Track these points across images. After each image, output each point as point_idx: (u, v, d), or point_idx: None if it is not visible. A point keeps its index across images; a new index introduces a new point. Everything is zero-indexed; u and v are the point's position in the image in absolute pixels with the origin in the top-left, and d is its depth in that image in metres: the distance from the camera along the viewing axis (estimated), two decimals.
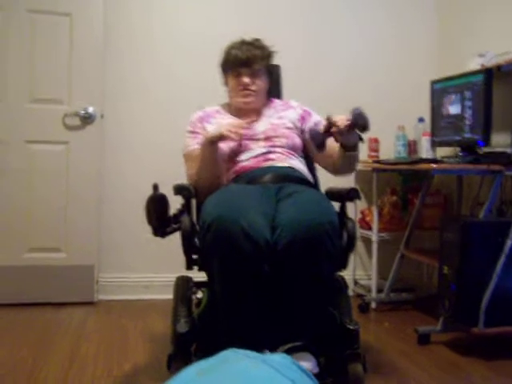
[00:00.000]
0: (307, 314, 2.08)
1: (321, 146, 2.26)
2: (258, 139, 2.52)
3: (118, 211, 3.83)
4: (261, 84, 2.61)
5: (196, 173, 2.47)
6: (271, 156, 2.48)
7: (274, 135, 2.54)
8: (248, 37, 2.67)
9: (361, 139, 2.28)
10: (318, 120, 2.65)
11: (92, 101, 3.65)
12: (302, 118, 2.66)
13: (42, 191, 3.62)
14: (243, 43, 2.62)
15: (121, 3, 3.83)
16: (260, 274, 2.02)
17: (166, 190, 2.38)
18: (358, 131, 2.22)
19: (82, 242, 3.67)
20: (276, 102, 2.76)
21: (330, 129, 2.20)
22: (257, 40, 2.65)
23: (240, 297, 2.05)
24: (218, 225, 2.00)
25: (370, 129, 2.19)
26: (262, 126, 2.57)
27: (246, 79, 2.56)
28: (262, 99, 2.66)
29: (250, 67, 2.55)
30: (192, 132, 2.62)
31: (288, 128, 2.59)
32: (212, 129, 2.46)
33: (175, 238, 2.32)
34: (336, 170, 2.52)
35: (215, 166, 2.44)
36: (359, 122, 2.16)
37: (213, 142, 2.38)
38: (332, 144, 2.30)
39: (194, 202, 2.47)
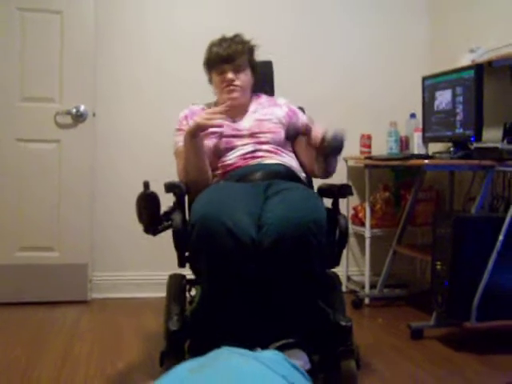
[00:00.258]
0: (297, 310, 2.09)
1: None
2: (242, 136, 2.52)
3: (110, 209, 3.82)
4: (245, 79, 2.60)
5: (183, 169, 2.47)
6: (258, 154, 2.48)
7: (259, 131, 2.53)
8: (248, 35, 2.66)
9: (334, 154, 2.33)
10: (302, 120, 2.67)
11: (84, 99, 3.65)
12: (289, 116, 2.65)
13: (34, 190, 3.61)
14: (223, 40, 2.61)
15: (113, 1, 3.82)
16: (246, 271, 2.02)
17: (159, 187, 2.38)
18: (327, 152, 2.30)
19: (74, 241, 3.66)
20: (263, 97, 2.76)
21: (307, 131, 2.33)
22: (237, 35, 2.63)
23: (227, 294, 2.05)
24: (202, 223, 2.00)
25: (340, 154, 2.31)
26: (246, 121, 2.57)
27: (230, 75, 2.55)
28: (247, 94, 2.65)
29: (233, 63, 2.55)
30: (179, 130, 2.62)
31: (273, 123, 2.59)
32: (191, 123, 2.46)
33: (168, 236, 2.32)
34: (312, 170, 2.55)
35: (200, 161, 2.43)
36: (331, 145, 2.24)
37: (193, 135, 2.37)
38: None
39: (186, 199, 2.48)
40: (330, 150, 2.26)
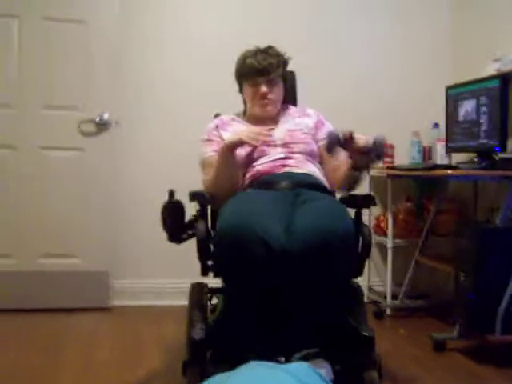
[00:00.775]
0: (322, 320, 2.07)
1: (331, 147, 2.27)
2: (275, 145, 2.51)
3: (132, 217, 3.84)
4: (278, 92, 2.60)
5: (213, 179, 2.45)
6: (288, 162, 2.47)
7: (292, 141, 2.53)
8: (262, 45, 2.65)
9: (378, 158, 2.28)
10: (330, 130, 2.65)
11: (107, 107, 3.67)
12: (316, 127, 2.65)
13: (56, 197, 3.64)
14: (258, 51, 2.59)
15: (135, 11, 3.85)
16: (275, 280, 2.01)
17: (179, 196, 2.38)
18: (372, 157, 2.25)
19: (96, 248, 3.68)
20: (292, 108, 2.76)
21: (347, 141, 2.22)
22: (271, 48, 2.62)
23: (254, 303, 2.04)
24: (233, 231, 1.99)
25: (384, 159, 2.22)
26: (278, 132, 2.56)
27: (264, 88, 2.54)
28: (278, 106, 2.66)
29: (267, 76, 2.54)
30: (208, 140, 2.61)
31: (305, 133, 2.59)
32: (230, 136, 2.45)
33: (188, 244, 2.32)
34: (335, 184, 2.53)
35: (233, 173, 2.44)
36: (377, 151, 2.21)
37: (232, 149, 2.38)
38: (342, 158, 2.34)
39: (211, 208, 2.48)
40: (374, 155, 2.23)
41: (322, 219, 2.04)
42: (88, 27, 3.64)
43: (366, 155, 2.24)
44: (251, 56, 2.58)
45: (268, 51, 2.59)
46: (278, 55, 2.60)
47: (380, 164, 2.36)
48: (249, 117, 2.67)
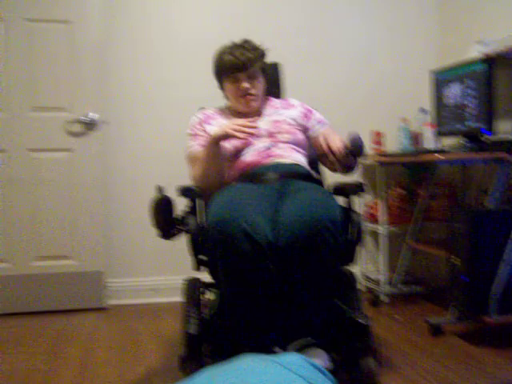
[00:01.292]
0: (315, 310, 2.08)
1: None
2: (261, 136, 2.52)
3: (123, 216, 3.84)
4: (259, 86, 2.61)
5: (200, 173, 2.46)
6: (274, 151, 2.48)
7: (277, 131, 2.54)
8: (238, 39, 2.65)
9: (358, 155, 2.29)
10: (320, 118, 2.68)
11: (94, 107, 3.66)
12: (305, 115, 2.66)
13: (47, 199, 3.63)
14: (234, 47, 2.59)
15: (120, 10, 3.83)
16: (263, 273, 2.01)
17: (170, 192, 2.38)
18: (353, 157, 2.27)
19: (89, 249, 3.67)
20: (275, 100, 2.76)
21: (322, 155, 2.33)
22: (247, 41, 2.62)
23: (245, 296, 2.05)
24: (218, 227, 2.01)
25: (364, 154, 2.26)
26: (263, 124, 2.57)
27: (246, 84, 2.55)
28: (261, 100, 2.66)
29: (247, 71, 2.54)
30: (193, 134, 2.63)
31: (290, 124, 2.59)
32: (215, 129, 2.45)
33: (181, 241, 2.32)
34: (334, 170, 2.54)
35: (220, 165, 2.45)
36: (355, 150, 2.21)
37: (217, 142, 2.39)
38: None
39: (201, 202, 2.48)
40: (354, 153, 2.25)
41: (308, 209, 2.04)
42: (73, 27, 3.62)
43: (346, 156, 2.25)
44: (228, 52, 2.57)
45: (244, 45, 2.58)
46: (255, 48, 2.59)
47: (365, 154, 2.35)
48: (233, 112, 2.67)
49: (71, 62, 3.64)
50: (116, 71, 3.82)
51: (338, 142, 2.25)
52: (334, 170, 2.53)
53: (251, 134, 2.35)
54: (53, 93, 3.64)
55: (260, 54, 2.61)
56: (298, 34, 4.02)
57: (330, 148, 2.24)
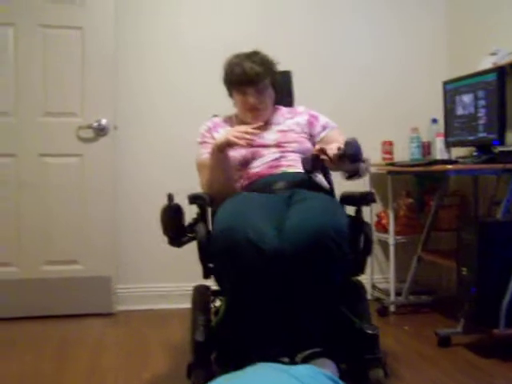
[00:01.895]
0: (320, 319, 2.07)
1: (310, 170, 2.35)
2: (269, 146, 2.53)
3: (133, 221, 3.84)
4: (267, 99, 2.61)
5: (208, 180, 2.49)
6: (283, 162, 2.49)
7: (285, 141, 2.55)
8: (249, 50, 2.64)
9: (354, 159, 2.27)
10: (325, 122, 2.68)
11: (105, 113, 3.67)
12: (310, 124, 2.67)
13: (57, 204, 3.64)
14: (244, 59, 2.57)
15: (131, 17, 3.85)
16: (269, 281, 2.01)
17: (179, 199, 2.38)
18: (348, 160, 2.23)
19: (98, 254, 3.68)
20: (283, 109, 2.76)
21: (319, 156, 2.27)
22: (257, 54, 2.61)
23: (251, 305, 2.05)
24: (224, 235, 2.01)
25: (361, 159, 2.23)
26: (271, 134, 2.58)
27: (252, 99, 2.55)
28: (269, 111, 2.66)
29: (255, 86, 2.55)
30: (202, 142, 2.65)
31: (297, 133, 2.60)
32: (219, 137, 2.46)
33: (191, 247, 2.32)
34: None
35: (225, 174, 2.46)
36: (348, 153, 2.18)
37: (221, 150, 2.40)
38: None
39: (210, 210, 2.48)
40: (349, 157, 2.24)
41: (312, 218, 2.04)
42: (84, 33, 3.64)
43: (341, 160, 2.22)
44: (237, 64, 2.56)
45: (254, 59, 2.57)
46: (265, 63, 2.58)
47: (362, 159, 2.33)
48: (240, 121, 2.68)
49: (82, 68, 3.65)
50: (126, 77, 3.83)
51: (333, 146, 2.24)
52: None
53: (252, 140, 2.36)
54: (63, 98, 3.66)
55: (270, 68, 2.60)
56: (307, 44, 4.02)
57: (322, 150, 2.24)
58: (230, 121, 2.71)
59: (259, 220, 2.04)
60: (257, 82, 2.53)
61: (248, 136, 2.33)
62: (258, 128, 2.42)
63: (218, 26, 3.93)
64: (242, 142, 2.32)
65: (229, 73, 2.61)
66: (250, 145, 2.43)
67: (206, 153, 2.56)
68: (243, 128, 2.38)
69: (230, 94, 2.69)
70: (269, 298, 2.02)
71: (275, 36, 3.88)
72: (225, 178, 2.46)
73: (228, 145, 2.37)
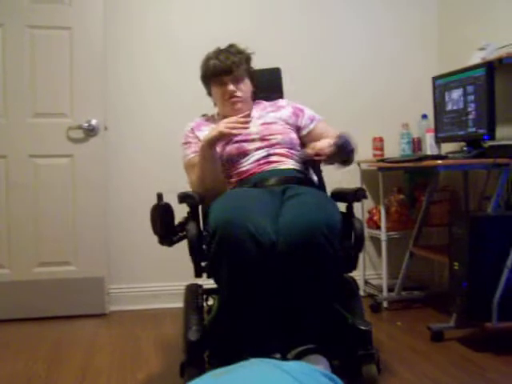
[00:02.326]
0: (313, 315, 2.08)
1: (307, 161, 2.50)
2: (252, 140, 2.53)
3: (124, 221, 3.83)
4: (245, 89, 2.63)
5: (198, 178, 2.48)
6: (273, 158, 2.50)
7: (269, 133, 2.55)
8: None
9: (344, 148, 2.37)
10: (311, 114, 2.70)
11: (95, 113, 3.66)
12: (295, 115, 2.68)
13: (48, 205, 3.63)
14: (220, 52, 2.63)
15: (120, 17, 3.84)
16: (266, 275, 2.01)
17: (170, 198, 2.38)
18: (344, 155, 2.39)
19: (90, 254, 3.67)
20: (264, 103, 2.78)
21: (313, 156, 2.38)
22: (232, 46, 2.66)
23: (248, 301, 2.05)
24: (224, 229, 2.00)
25: (353, 154, 2.41)
26: (254, 127, 2.57)
27: (231, 87, 2.57)
28: (249, 103, 2.68)
29: (231, 74, 2.56)
30: (186, 143, 2.67)
31: (281, 125, 2.60)
32: (207, 132, 2.47)
33: (182, 247, 2.32)
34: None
35: (215, 169, 2.46)
36: (348, 149, 2.36)
37: (212, 144, 2.40)
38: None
39: (201, 208, 2.48)
40: (341, 152, 2.30)
41: (305, 214, 2.05)
42: (73, 33, 3.62)
43: (335, 156, 2.36)
44: (213, 57, 2.61)
45: (229, 50, 2.63)
46: (240, 52, 2.64)
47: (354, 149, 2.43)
48: (222, 118, 2.68)
49: (71, 69, 3.64)
50: (116, 77, 3.82)
51: (324, 143, 2.34)
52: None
53: (245, 128, 2.40)
54: (53, 99, 3.65)
55: (245, 57, 2.64)
56: (299, 40, 4.02)
57: (318, 153, 2.33)
58: (213, 119, 2.73)
59: (258, 214, 2.05)
60: (233, 71, 2.56)
61: (240, 125, 2.35)
62: (247, 116, 2.43)
63: (208, 23, 3.93)
64: (235, 131, 2.35)
65: (205, 67, 2.65)
66: (236, 135, 2.48)
67: (191, 153, 2.59)
68: (233, 119, 2.40)
69: (209, 93, 2.71)
70: (264, 293, 2.03)
71: (267, 33, 3.87)
72: (214, 173, 2.46)
73: (220, 137, 2.38)
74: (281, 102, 2.77)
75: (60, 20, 3.63)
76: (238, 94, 2.58)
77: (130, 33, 3.86)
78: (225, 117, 2.61)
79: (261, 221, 2.02)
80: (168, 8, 3.91)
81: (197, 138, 2.62)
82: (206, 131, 2.56)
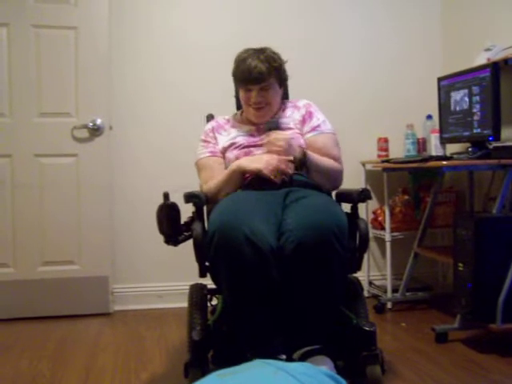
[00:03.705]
0: (320, 317, 2.08)
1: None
2: (260, 145, 2.53)
3: (129, 221, 3.84)
4: (272, 96, 2.59)
5: (215, 191, 2.46)
6: None
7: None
8: (257, 46, 2.64)
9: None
10: (317, 124, 2.63)
11: (100, 112, 3.66)
12: (303, 121, 2.65)
13: (53, 204, 3.64)
14: (251, 55, 2.56)
15: (126, 16, 3.84)
16: (265, 279, 2.01)
17: (175, 198, 2.38)
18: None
19: (95, 254, 3.68)
20: (287, 104, 2.75)
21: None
22: (264, 51, 2.59)
23: (247, 303, 2.05)
24: (221, 232, 2.01)
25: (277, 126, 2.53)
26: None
27: (255, 98, 2.55)
28: (274, 108, 2.64)
29: (258, 84, 2.54)
30: (204, 141, 2.66)
31: (289, 128, 2.59)
32: (248, 161, 2.44)
33: (187, 246, 2.32)
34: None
35: (236, 189, 2.44)
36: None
37: (244, 173, 2.42)
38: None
39: (206, 208, 2.48)
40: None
41: (315, 216, 2.04)
42: (78, 33, 3.63)
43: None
44: (244, 60, 2.55)
45: (260, 56, 2.55)
46: (270, 61, 2.56)
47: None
48: (243, 118, 2.68)
49: (76, 68, 3.64)
50: (121, 77, 3.83)
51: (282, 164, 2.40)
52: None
53: (285, 177, 2.38)
54: (58, 98, 3.65)
55: (275, 66, 2.57)
56: (303, 41, 4.02)
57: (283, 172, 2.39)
58: (229, 122, 2.72)
59: (256, 218, 2.04)
60: (260, 81, 2.53)
61: (279, 176, 2.37)
62: (290, 161, 2.41)
63: (213, 22, 3.93)
64: (276, 179, 2.35)
65: (235, 68, 2.62)
66: (243, 142, 2.50)
67: (206, 152, 2.60)
68: (275, 161, 2.37)
69: (237, 91, 2.71)
70: (265, 296, 2.02)
71: (272, 32, 3.86)
72: (233, 191, 2.44)
73: (257, 174, 2.37)
74: (299, 102, 2.74)
75: (65, 20, 3.63)
76: (263, 105, 2.57)
77: (136, 32, 3.86)
78: (247, 118, 2.63)
79: (258, 224, 2.01)
80: (174, 7, 3.91)
81: (215, 138, 2.63)
82: (225, 136, 2.58)
